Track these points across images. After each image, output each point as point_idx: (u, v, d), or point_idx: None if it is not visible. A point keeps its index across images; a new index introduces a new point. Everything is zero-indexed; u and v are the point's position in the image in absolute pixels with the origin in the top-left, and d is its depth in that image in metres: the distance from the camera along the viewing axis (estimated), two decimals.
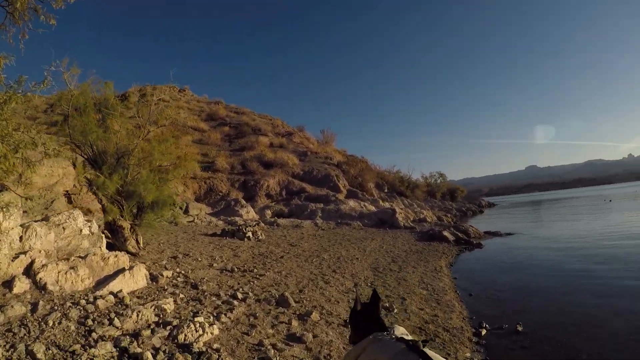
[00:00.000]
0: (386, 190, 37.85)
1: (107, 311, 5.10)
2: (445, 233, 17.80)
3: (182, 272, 7.84)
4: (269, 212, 24.42)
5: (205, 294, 6.45)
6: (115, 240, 9.47)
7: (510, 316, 7.05)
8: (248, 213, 23.16)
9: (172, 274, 7.57)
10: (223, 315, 5.41)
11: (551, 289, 8.88)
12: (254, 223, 19.63)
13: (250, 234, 14.23)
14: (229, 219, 21.36)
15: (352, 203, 26.26)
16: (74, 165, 10.24)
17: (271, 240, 14.60)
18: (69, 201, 21.40)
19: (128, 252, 9.25)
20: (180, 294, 6.24)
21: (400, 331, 2.12)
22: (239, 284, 7.41)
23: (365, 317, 2.35)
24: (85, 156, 9.74)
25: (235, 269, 8.63)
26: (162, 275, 7.20)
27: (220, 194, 26.62)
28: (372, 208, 26.60)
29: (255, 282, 7.67)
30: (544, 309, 7.41)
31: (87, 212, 20.14)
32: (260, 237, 14.46)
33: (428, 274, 10.30)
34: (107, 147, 9.57)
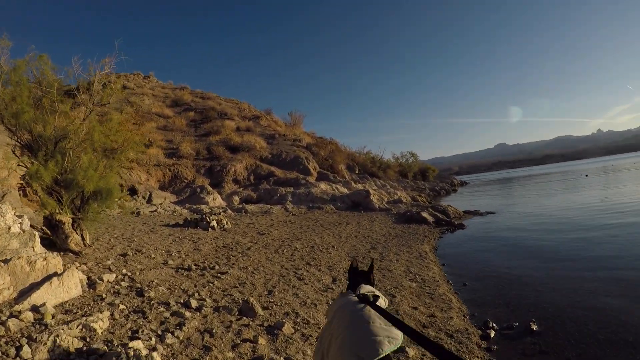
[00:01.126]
0: (357, 172, 36.88)
1: (19, 335, 3.91)
2: (424, 214, 16.95)
3: (129, 273, 6.66)
4: (236, 199, 23.20)
5: (152, 302, 5.30)
6: (56, 237, 8.20)
7: (517, 311, 6.08)
8: (214, 200, 21.91)
9: (116, 277, 6.40)
10: (169, 334, 4.25)
11: (554, 275, 7.94)
12: (221, 210, 18.46)
13: (214, 223, 13.06)
14: (194, 207, 20.12)
15: (323, 186, 25.21)
16: (14, 154, 8.91)
17: (238, 229, 13.45)
18: (24, 194, 19.90)
19: (70, 251, 8.02)
20: (121, 305, 5.08)
21: (365, 289, 2.33)
22: (195, 286, 6.26)
23: (358, 281, 2.58)
24: (21, 142, 8.45)
25: (194, 267, 7.46)
26: (102, 279, 6.03)
27: (186, 181, 25.24)
28: (345, 190, 25.64)
29: (216, 282, 6.52)
30: (553, 300, 6.43)
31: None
32: (225, 226, 13.31)
33: (414, 262, 9.33)
34: (44, 130, 8.28)
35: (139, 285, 6.05)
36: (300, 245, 10.72)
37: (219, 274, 7.11)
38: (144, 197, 21.61)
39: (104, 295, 5.45)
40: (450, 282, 7.95)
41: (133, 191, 22.29)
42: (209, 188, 23.26)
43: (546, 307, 6.18)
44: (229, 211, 18.74)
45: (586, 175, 45.25)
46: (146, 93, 44.59)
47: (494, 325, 5.50)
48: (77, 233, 8.47)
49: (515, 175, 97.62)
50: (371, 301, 2.14)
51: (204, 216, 13.47)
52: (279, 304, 5.70)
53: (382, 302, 2.29)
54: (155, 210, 18.50)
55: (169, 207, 20.10)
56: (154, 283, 6.26)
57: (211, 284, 6.42)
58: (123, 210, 9.63)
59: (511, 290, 7.16)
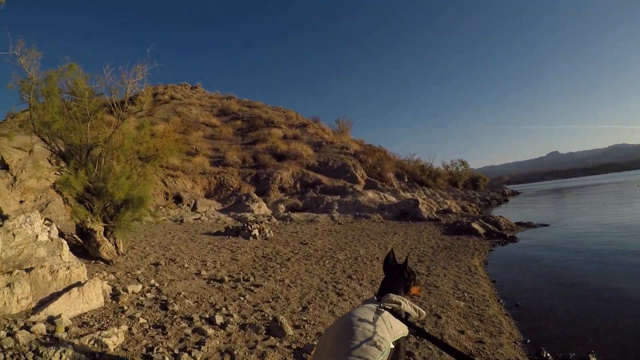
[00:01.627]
0: (406, 180, 35.92)
1: (27, 348, 3.52)
2: (475, 225, 16.01)
3: (157, 284, 6.26)
4: (282, 207, 22.85)
5: (175, 317, 4.85)
6: (87, 245, 7.94)
7: (575, 339, 5.28)
8: (260, 208, 21.62)
9: (143, 287, 6.00)
10: (186, 353, 3.75)
11: (616, 300, 7.07)
12: (265, 219, 18.09)
13: (256, 231, 12.64)
14: (239, 215, 19.87)
15: (371, 194, 24.54)
16: (50, 162, 8.73)
17: (280, 238, 12.99)
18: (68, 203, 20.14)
19: (102, 259, 7.73)
20: (141, 318, 4.65)
21: (392, 298, 2.37)
22: (225, 299, 5.78)
23: (390, 273, 2.71)
24: (54, 151, 8.24)
25: (227, 278, 7.00)
26: (126, 290, 5.63)
27: (231, 189, 25.12)
28: (393, 199, 24.87)
29: (247, 296, 6.02)
30: (616, 329, 5.62)
31: None
32: (267, 235, 12.87)
33: (462, 277, 8.56)
34: (75, 138, 8.03)
35: (165, 298, 5.61)
36: (343, 257, 10.12)
37: (252, 287, 6.61)
38: (188, 205, 21.55)
39: (125, 308, 5.04)
40: (502, 301, 7.14)
41: (178, 199, 22.30)
42: (255, 196, 23.00)
43: (607, 336, 5.36)
44: (274, 219, 18.34)
45: (638, 186, 42.72)
46: (193, 103, 45.17)
47: (548, 355, 4.75)
48: (110, 241, 8.18)
49: (568, 185, 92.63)
50: (402, 317, 2.27)
51: (245, 224, 13.09)
52: (312, 322, 5.12)
53: (405, 306, 2.39)
54: (199, 218, 18.31)
55: (213, 214, 19.91)
56: (181, 295, 5.81)
57: (242, 298, 5.92)
58: (156, 219, 9.18)
59: (568, 314, 6.31)
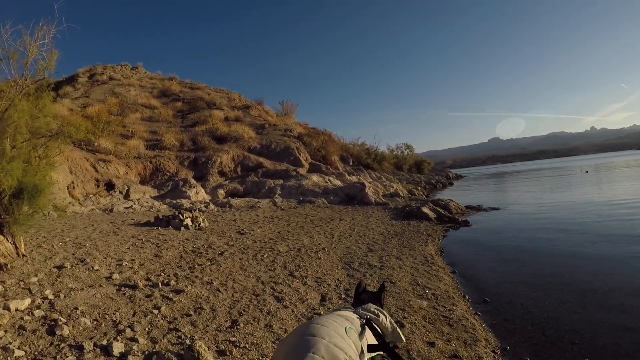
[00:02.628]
0: (351, 164, 35.17)
1: None
2: (425, 210, 15.33)
3: (52, 296, 5.03)
4: (221, 192, 21.53)
5: (62, 345, 3.67)
6: None
7: (559, 343, 4.53)
8: (197, 194, 20.26)
9: (32, 302, 4.77)
10: None
11: (587, 287, 6.40)
12: (202, 206, 16.87)
13: (188, 220, 11.41)
14: (174, 202, 18.49)
15: (315, 178, 23.55)
16: None
17: (216, 227, 11.81)
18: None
19: None
20: (17, 350, 3.47)
21: (371, 308, 2.18)
22: (134, 314, 4.63)
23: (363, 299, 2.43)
24: None
25: (143, 283, 5.80)
26: (8, 309, 4.42)
27: (168, 174, 23.51)
28: (338, 183, 23.98)
29: (164, 308, 4.88)
30: (600, 323, 4.93)
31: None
32: (201, 225, 11.65)
33: (419, 269, 7.69)
34: None
35: (56, 316, 4.41)
36: (285, 248, 9.07)
37: (172, 294, 5.46)
38: (121, 192, 19.96)
39: (0, 335, 3.84)
40: (467, 297, 6.32)
41: (110, 186, 20.64)
42: (192, 181, 21.60)
43: (594, 337, 4.65)
44: (212, 206, 17.12)
45: (586, 172, 43.70)
46: (133, 84, 42.67)
47: None
48: (7, 240, 6.82)
49: (510, 169, 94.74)
50: (369, 322, 2.05)
51: (176, 213, 11.81)
52: (242, 344, 4.03)
53: (384, 320, 2.17)
54: (131, 207, 16.88)
55: (146, 202, 18.45)
56: (78, 311, 4.62)
57: (156, 311, 4.77)
58: (59, 212, 7.75)
59: (543, 311, 5.55)
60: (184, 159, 24.99)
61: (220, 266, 7.22)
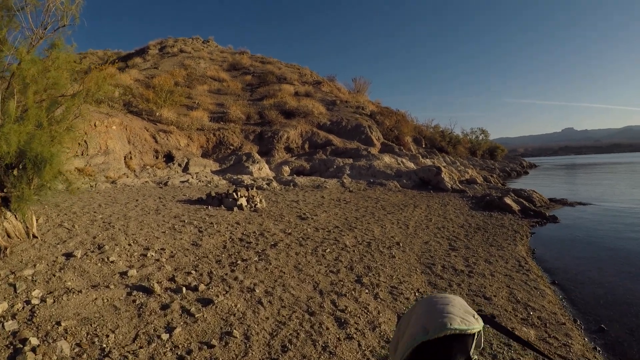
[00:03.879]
0: (425, 146, 32.92)
1: None
2: (508, 200, 13.27)
3: (38, 300, 3.72)
4: (286, 169, 20.15)
5: None
6: None
7: None
8: (260, 170, 18.98)
9: (8, 308, 3.48)
10: None
11: None
12: (264, 183, 15.54)
13: (243, 200, 10.02)
14: (235, 177, 17.29)
15: (387, 159, 21.67)
16: None
17: (274, 209, 10.36)
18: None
19: None
20: None
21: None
22: (134, 338, 3.18)
23: None
24: None
25: (160, 286, 4.36)
26: None
27: (231, 147, 22.39)
28: (411, 165, 22.01)
29: (178, 330, 3.40)
30: None
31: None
32: (258, 205, 10.22)
33: (515, 278, 5.91)
34: None
35: (29, 334, 3.04)
36: (352, 241, 7.47)
37: (196, 305, 3.99)
38: (180, 165, 19.01)
39: None
40: (579, 322, 4.60)
41: (169, 157, 19.76)
42: (256, 156, 20.34)
43: None
44: (274, 183, 15.75)
45: None
46: (203, 57, 42.18)
47: None
48: (16, 218, 5.58)
49: (585, 161, 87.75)
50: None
51: (230, 192, 10.42)
52: None
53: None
54: (187, 181, 15.85)
55: (205, 176, 17.37)
56: (59, 329, 3.23)
57: (166, 335, 3.30)
58: (71, 187, 6.33)
59: None
60: (249, 133, 23.78)
61: (270, 263, 5.69)
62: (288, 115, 26.60)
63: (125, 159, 18.13)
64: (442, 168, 18.44)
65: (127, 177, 16.72)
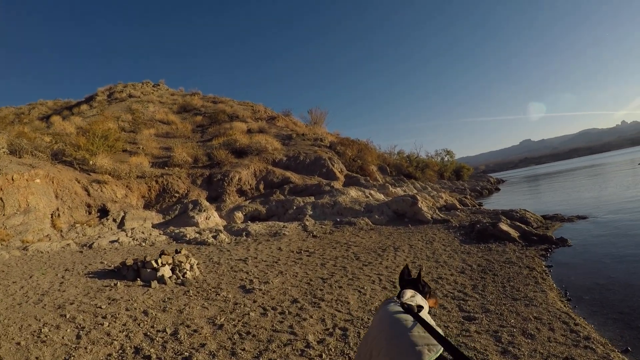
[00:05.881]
0: (391, 174, 30.70)
1: None
2: (503, 227, 10.97)
3: None
4: (239, 215, 17.35)
5: None
6: None
7: None
8: (208, 219, 16.19)
9: None
10: None
11: None
12: (211, 235, 12.90)
13: (166, 269, 7.28)
14: (178, 231, 14.52)
15: (353, 192, 19.09)
16: None
17: (210, 278, 7.63)
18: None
19: None
20: None
21: (407, 296, 2.39)
22: None
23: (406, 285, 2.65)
24: None
25: None
26: None
27: (177, 195, 19.51)
28: (381, 197, 19.53)
29: None
30: None
31: None
32: (187, 275, 7.48)
33: (576, 357, 3.61)
34: None
35: None
36: (319, 330, 4.85)
37: None
38: (114, 220, 16.08)
39: None
40: None
41: (104, 212, 16.82)
42: (205, 203, 17.56)
43: None
44: (223, 235, 13.06)
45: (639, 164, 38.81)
46: (152, 100, 39.86)
47: None
48: None
49: (548, 170, 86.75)
50: (414, 311, 2.16)
51: (147, 260, 7.62)
52: None
53: (425, 312, 2.32)
54: (117, 240, 13.08)
55: (142, 233, 14.55)
56: None
57: None
58: None
59: None
60: (197, 177, 20.98)
61: None
62: (239, 154, 23.93)
63: (52, 217, 15.22)
64: (418, 197, 16.05)
65: (50, 239, 13.83)
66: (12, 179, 14.59)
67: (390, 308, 2.19)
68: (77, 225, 15.48)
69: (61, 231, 14.87)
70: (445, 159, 49.95)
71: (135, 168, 20.31)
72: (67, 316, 5.50)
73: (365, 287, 6.53)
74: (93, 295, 6.50)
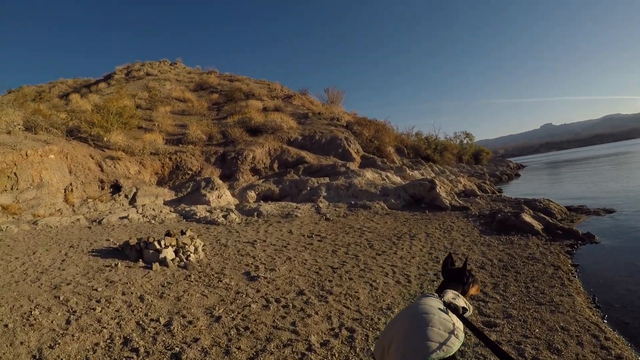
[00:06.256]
0: (409, 156, 30.00)
1: None
2: (526, 218, 10.40)
3: None
4: (252, 194, 17.03)
5: None
6: None
7: None
8: (220, 198, 15.89)
9: None
10: None
11: None
12: (222, 214, 12.62)
13: (169, 251, 6.96)
14: (188, 209, 14.27)
15: (369, 174, 18.62)
16: None
17: (215, 262, 7.29)
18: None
19: None
20: None
21: (449, 295, 2.26)
22: None
23: (450, 277, 2.50)
24: None
25: None
26: None
27: (190, 172, 19.24)
28: (398, 180, 19.03)
29: None
30: None
31: None
32: (191, 257, 7.15)
33: None
34: None
35: None
36: (324, 330, 4.45)
37: None
38: (126, 196, 15.88)
39: None
40: None
41: (117, 187, 16.64)
42: (217, 181, 17.25)
43: None
44: (233, 215, 12.74)
45: None
46: (169, 79, 39.51)
47: None
48: None
49: (571, 156, 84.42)
50: (460, 313, 2.12)
51: (150, 240, 7.30)
52: None
53: (464, 304, 2.26)
54: (127, 217, 12.85)
55: (153, 209, 14.32)
56: None
57: None
58: None
59: None
60: (211, 155, 20.69)
61: None
62: (254, 132, 23.55)
63: (65, 192, 15.10)
64: (436, 181, 15.53)
65: (61, 213, 13.70)
66: (26, 155, 14.59)
67: (429, 302, 2.10)
68: (89, 200, 15.32)
69: (73, 206, 14.74)
70: (465, 141, 48.69)
71: (149, 145, 20.08)
72: (61, 298, 5.22)
73: (378, 280, 6.12)
74: (92, 276, 6.22)
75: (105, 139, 19.42)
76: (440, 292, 2.34)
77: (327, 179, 17.90)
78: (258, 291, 5.64)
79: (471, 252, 8.04)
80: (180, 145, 21.33)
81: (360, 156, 22.95)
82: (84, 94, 32.94)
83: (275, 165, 20.56)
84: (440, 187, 15.10)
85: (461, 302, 2.25)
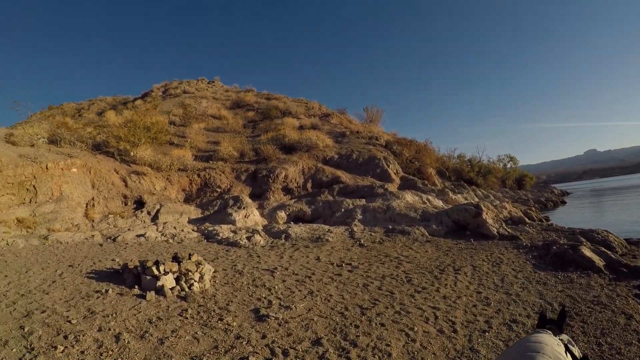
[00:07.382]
0: (450, 179, 28.42)
1: None
2: (587, 252, 8.90)
3: None
4: (282, 215, 15.93)
5: None
6: None
7: None
8: (247, 217, 14.85)
9: None
10: None
11: None
12: (246, 235, 11.57)
13: (169, 278, 5.89)
14: (211, 228, 13.28)
15: (409, 197, 17.24)
16: None
17: (222, 292, 6.18)
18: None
19: None
20: None
21: (565, 337, 2.29)
22: None
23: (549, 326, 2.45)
24: None
25: None
26: None
27: (218, 190, 18.35)
28: (439, 203, 17.59)
29: None
30: None
31: None
32: (194, 287, 6.07)
33: None
34: None
35: None
36: None
37: None
38: (149, 213, 15.05)
39: None
40: None
41: (140, 204, 15.86)
42: (246, 200, 16.27)
43: None
44: (258, 237, 11.67)
45: None
46: (206, 96, 39.25)
47: None
48: None
49: (617, 184, 79.62)
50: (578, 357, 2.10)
51: (148, 266, 6.22)
52: None
53: (578, 353, 2.19)
54: (144, 235, 11.99)
55: (174, 227, 13.41)
56: None
57: None
58: None
59: None
60: (241, 172, 19.77)
61: None
62: (288, 150, 22.57)
63: (86, 207, 14.46)
64: (482, 206, 14.08)
65: (78, 229, 13.01)
66: (47, 168, 14.20)
67: (544, 337, 2.05)
68: (110, 216, 14.60)
69: (93, 221, 14.04)
70: (509, 165, 46.75)
71: (177, 160, 19.35)
72: (26, 329, 4.26)
73: (416, 328, 4.87)
74: (74, 304, 5.25)
75: (132, 153, 18.82)
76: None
77: (363, 201, 16.65)
78: (264, 337, 4.48)
79: (526, 291, 6.67)
80: (211, 162, 20.54)
81: (400, 177, 21.61)
82: (120, 111, 32.91)
83: (309, 185, 19.44)
84: (486, 213, 13.65)
85: (577, 350, 2.16)
